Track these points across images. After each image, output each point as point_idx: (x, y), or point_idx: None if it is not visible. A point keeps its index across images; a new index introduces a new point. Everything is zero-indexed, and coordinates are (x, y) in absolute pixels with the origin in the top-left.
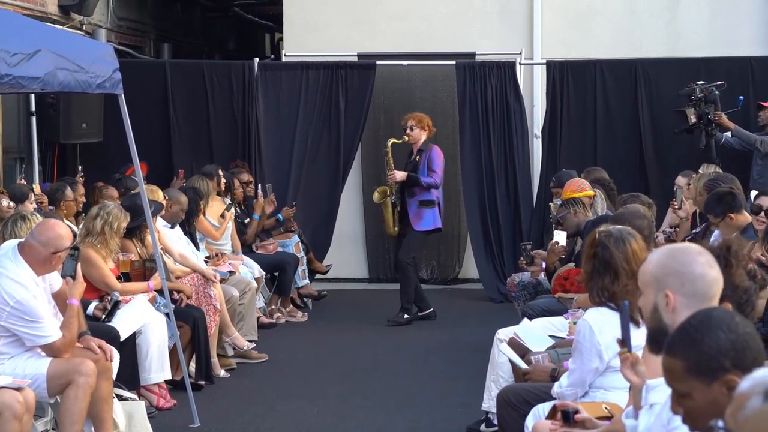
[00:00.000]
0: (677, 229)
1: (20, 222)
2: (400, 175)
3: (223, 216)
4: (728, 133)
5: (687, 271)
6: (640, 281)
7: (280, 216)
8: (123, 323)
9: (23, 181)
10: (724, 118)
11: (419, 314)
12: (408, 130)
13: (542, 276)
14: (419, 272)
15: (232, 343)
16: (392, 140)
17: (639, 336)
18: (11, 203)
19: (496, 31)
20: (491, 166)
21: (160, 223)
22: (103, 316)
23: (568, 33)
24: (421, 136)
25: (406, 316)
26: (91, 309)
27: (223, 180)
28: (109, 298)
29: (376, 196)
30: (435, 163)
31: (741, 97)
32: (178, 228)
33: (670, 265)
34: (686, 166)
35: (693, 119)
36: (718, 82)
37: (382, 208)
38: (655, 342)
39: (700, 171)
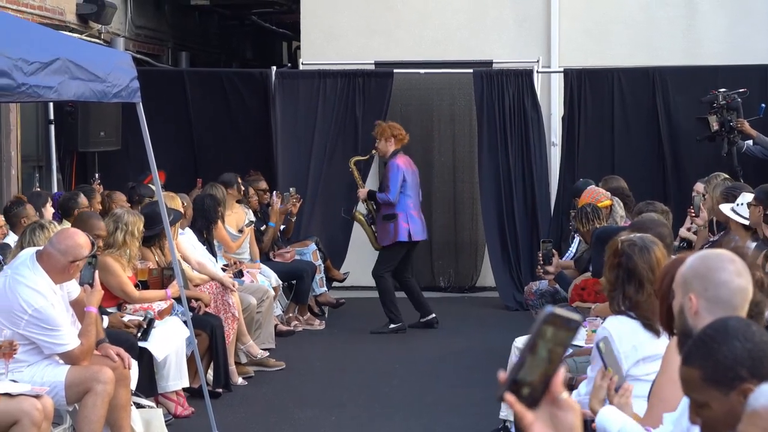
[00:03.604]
0: (694, 236)
1: (38, 231)
2: (362, 192)
3: (241, 231)
4: (750, 141)
5: (712, 276)
6: (674, 282)
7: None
8: (158, 345)
9: (37, 189)
10: (747, 126)
11: (421, 320)
12: (375, 143)
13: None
14: (437, 281)
15: (246, 351)
16: (356, 158)
17: (658, 345)
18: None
19: (514, 39)
20: (509, 175)
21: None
22: (138, 335)
23: (585, 41)
24: (387, 147)
25: (392, 325)
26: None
27: (242, 188)
28: (144, 316)
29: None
30: (388, 178)
31: (762, 105)
32: (190, 232)
33: (698, 268)
34: (705, 173)
35: (715, 126)
36: (741, 90)
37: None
38: (682, 344)
39: (714, 181)
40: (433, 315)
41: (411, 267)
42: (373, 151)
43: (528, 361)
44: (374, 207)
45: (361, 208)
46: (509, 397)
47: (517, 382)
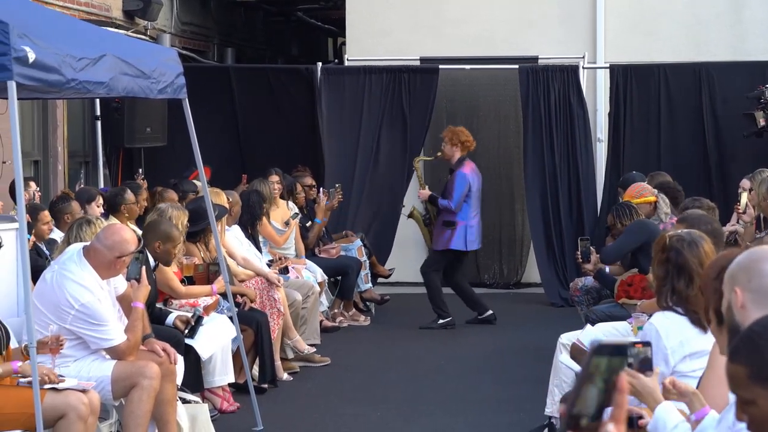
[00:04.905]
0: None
1: (85, 226)
2: (423, 194)
3: (287, 224)
4: None
5: (755, 267)
6: (723, 283)
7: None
8: (204, 343)
9: (81, 185)
10: None
11: (479, 318)
12: (441, 146)
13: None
14: (483, 277)
15: (293, 346)
16: (421, 158)
17: (706, 341)
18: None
19: (559, 35)
20: (554, 171)
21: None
22: (186, 331)
23: (631, 37)
24: (453, 152)
25: (440, 321)
26: (171, 319)
27: (277, 185)
28: (193, 313)
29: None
30: (453, 186)
31: None
32: (237, 228)
33: (743, 261)
34: (751, 170)
35: (762, 122)
36: None
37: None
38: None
39: (759, 177)
40: (491, 312)
41: (462, 271)
42: (439, 153)
43: (583, 392)
44: (435, 211)
45: (420, 207)
46: None
47: (575, 416)
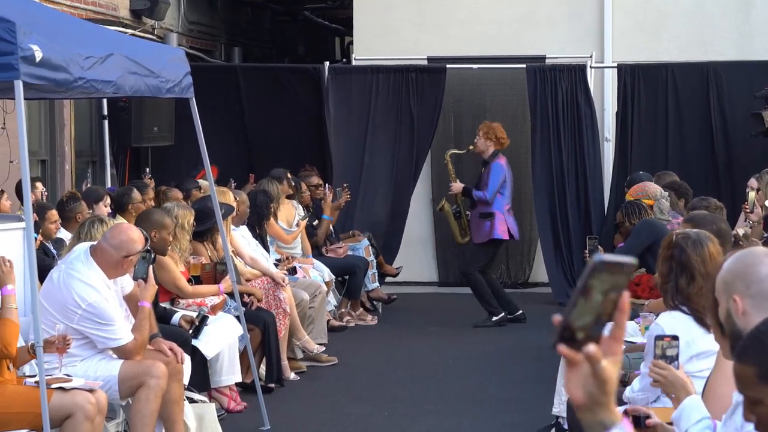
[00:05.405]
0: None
1: (97, 224)
2: (456, 187)
3: (297, 224)
4: None
5: (752, 272)
6: (716, 291)
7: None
8: (209, 343)
9: (88, 184)
10: None
11: (509, 317)
12: (475, 139)
13: None
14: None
15: (302, 346)
16: (452, 151)
17: (712, 340)
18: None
19: (567, 34)
20: (562, 170)
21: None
22: (190, 331)
23: (639, 36)
24: (487, 147)
25: (494, 318)
26: (176, 318)
27: (292, 183)
28: (197, 313)
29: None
30: (490, 177)
31: None
32: (244, 228)
33: (736, 268)
34: (759, 169)
35: None
36: None
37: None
38: (734, 348)
39: (766, 177)
40: (521, 311)
41: (495, 265)
42: (471, 147)
43: (580, 304)
44: (469, 204)
45: (450, 201)
46: (562, 348)
47: (570, 328)
